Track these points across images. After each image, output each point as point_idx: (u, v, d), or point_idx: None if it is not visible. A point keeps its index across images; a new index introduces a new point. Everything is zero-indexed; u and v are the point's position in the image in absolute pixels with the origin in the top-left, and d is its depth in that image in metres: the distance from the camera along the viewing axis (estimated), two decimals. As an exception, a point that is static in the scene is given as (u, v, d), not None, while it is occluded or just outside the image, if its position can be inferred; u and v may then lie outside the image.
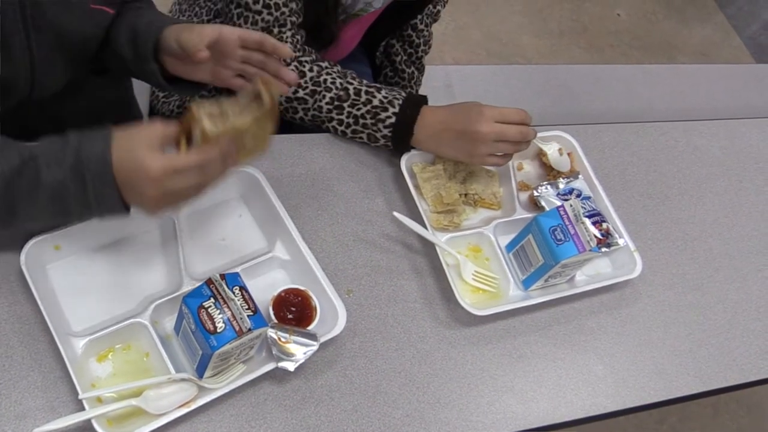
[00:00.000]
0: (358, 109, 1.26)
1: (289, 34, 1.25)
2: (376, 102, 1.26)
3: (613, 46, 3.28)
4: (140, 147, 0.92)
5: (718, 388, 1.26)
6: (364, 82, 1.28)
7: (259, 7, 1.22)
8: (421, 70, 1.70)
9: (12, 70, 1.05)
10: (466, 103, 1.26)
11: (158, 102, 1.51)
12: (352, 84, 1.27)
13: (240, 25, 1.23)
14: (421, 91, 1.73)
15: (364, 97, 1.26)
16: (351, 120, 1.28)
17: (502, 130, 1.21)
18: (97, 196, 0.93)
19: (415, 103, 1.26)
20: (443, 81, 1.92)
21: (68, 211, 0.95)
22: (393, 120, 1.25)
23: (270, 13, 1.22)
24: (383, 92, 1.26)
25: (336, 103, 1.26)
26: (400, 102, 1.25)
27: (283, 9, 1.23)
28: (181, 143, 0.94)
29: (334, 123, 1.29)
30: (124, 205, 0.94)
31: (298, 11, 1.27)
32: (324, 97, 1.26)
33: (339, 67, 1.30)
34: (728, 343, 1.31)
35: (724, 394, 1.26)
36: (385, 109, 1.25)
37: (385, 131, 1.26)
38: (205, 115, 0.92)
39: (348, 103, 1.26)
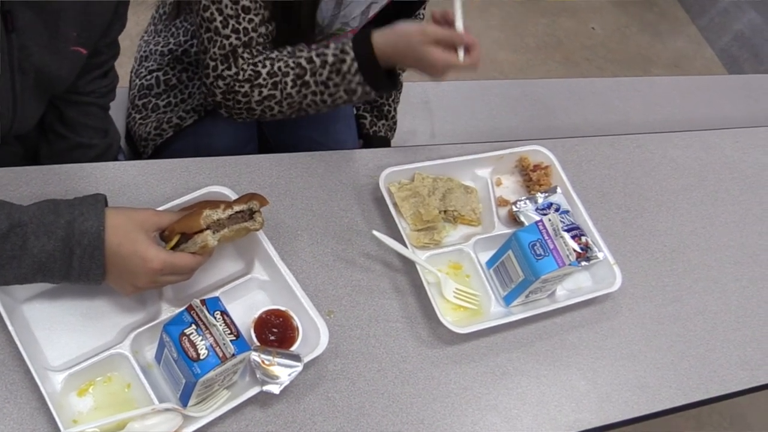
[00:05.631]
0: (320, 75, 1.24)
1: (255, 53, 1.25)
2: (330, 59, 1.23)
3: (589, 60, 3.32)
4: (140, 235, 0.97)
5: (700, 400, 1.26)
6: (313, 47, 1.26)
7: (227, 31, 1.21)
8: (399, 86, 1.70)
9: None
10: (404, 39, 1.23)
11: (135, 123, 1.50)
12: (302, 56, 1.25)
13: (209, 50, 1.23)
14: (400, 108, 1.73)
15: (318, 61, 1.24)
16: (321, 87, 1.25)
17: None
18: (82, 271, 0.95)
19: (364, 40, 1.23)
20: (421, 97, 1.93)
21: (47, 278, 0.95)
22: (356, 65, 1.22)
23: (238, 38, 1.22)
24: (332, 47, 1.24)
25: (299, 81, 1.24)
26: (351, 45, 1.23)
27: (252, 34, 1.23)
28: (172, 240, 1.01)
29: (309, 100, 1.26)
30: (102, 278, 0.98)
31: (268, 34, 1.27)
32: (286, 83, 1.24)
33: (288, 48, 1.28)
34: (709, 354, 1.31)
35: (707, 406, 1.26)
36: (343, 60, 1.23)
37: (357, 77, 1.23)
38: (210, 230, 1.02)
39: (308, 74, 1.24)
